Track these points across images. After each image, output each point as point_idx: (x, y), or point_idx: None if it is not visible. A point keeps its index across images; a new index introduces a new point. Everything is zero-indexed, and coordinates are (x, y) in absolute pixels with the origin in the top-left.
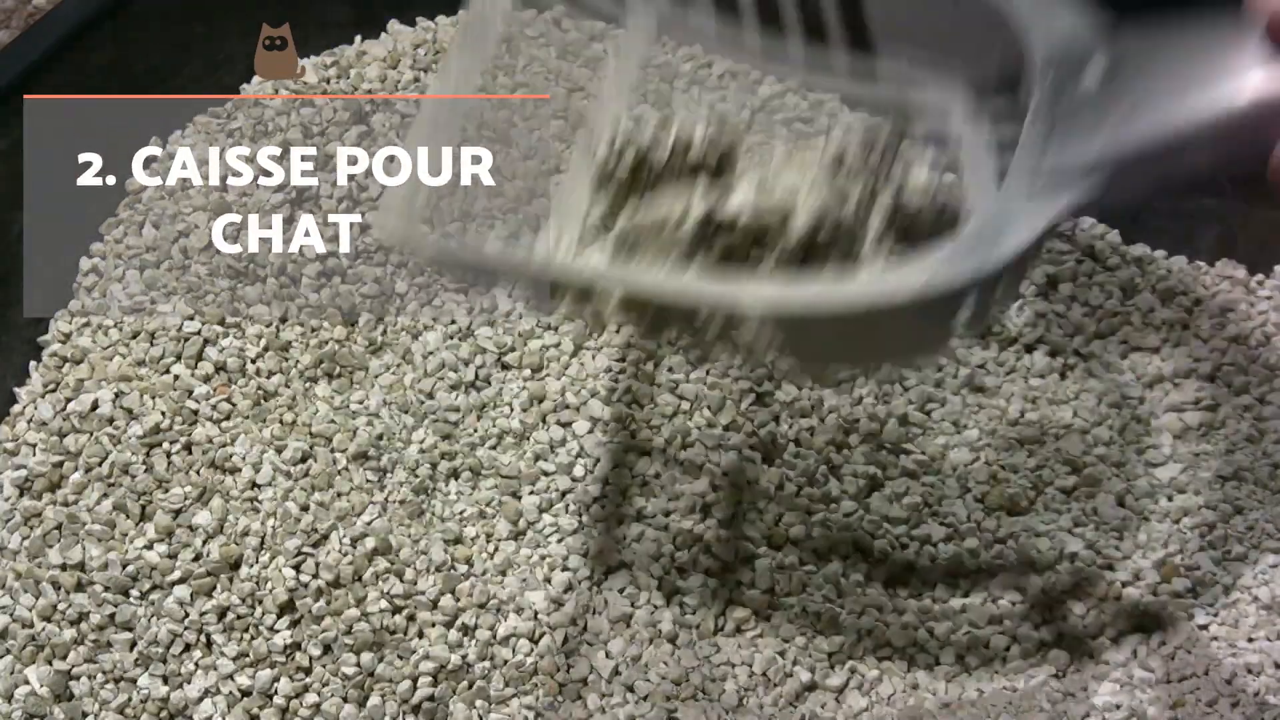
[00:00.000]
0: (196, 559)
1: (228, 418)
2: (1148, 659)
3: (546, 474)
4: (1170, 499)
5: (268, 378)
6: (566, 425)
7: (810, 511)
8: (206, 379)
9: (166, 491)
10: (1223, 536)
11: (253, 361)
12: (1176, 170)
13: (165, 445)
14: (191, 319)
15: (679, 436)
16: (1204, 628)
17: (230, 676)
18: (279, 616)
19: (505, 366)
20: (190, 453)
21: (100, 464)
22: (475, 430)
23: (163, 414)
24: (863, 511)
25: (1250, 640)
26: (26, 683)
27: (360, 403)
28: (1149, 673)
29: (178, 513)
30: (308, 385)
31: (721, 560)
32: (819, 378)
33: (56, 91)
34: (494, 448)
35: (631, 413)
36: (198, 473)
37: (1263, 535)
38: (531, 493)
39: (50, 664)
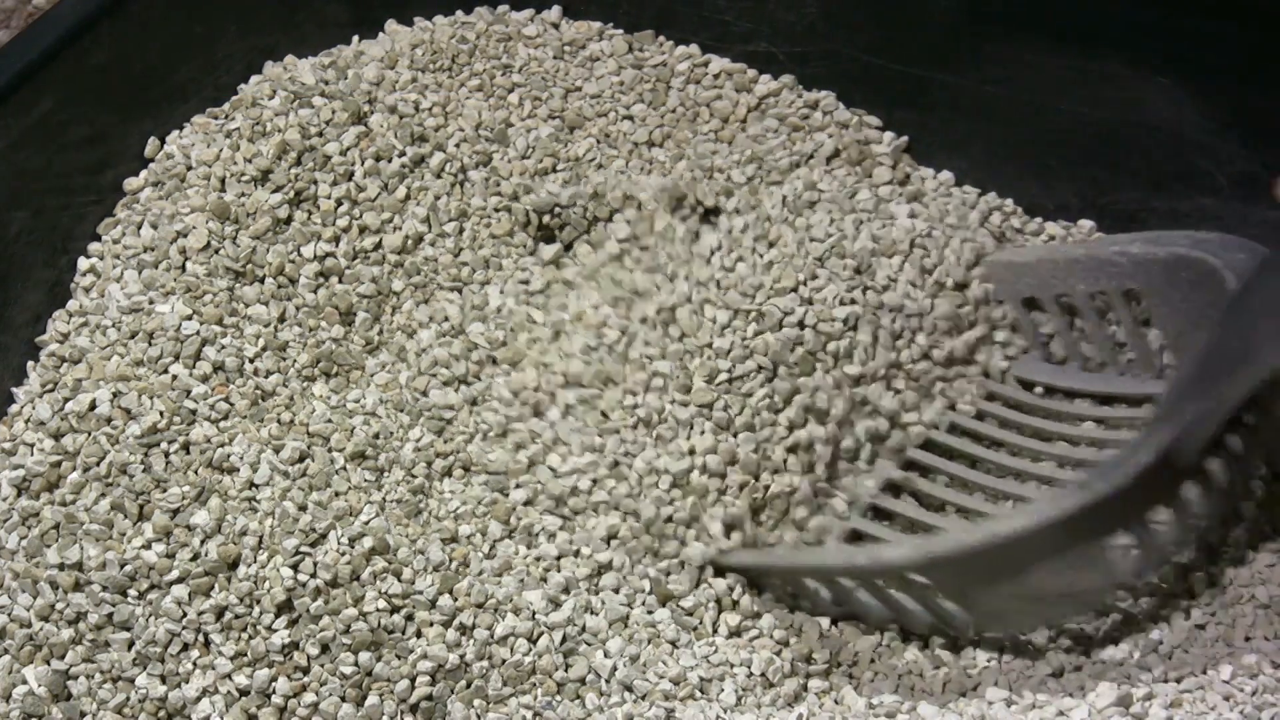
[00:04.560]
0: (194, 559)
1: (225, 417)
2: (1145, 659)
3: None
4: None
5: (265, 377)
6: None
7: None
8: (204, 379)
9: (164, 491)
10: (1221, 537)
11: (250, 361)
12: (1265, 372)
13: (163, 445)
14: (189, 319)
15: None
16: (1201, 627)
17: (228, 676)
18: (277, 616)
19: (495, 362)
20: (188, 452)
21: (98, 464)
22: (467, 426)
23: (160, 414)
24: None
25: (1248, 640)
26: (24, 682)
27: (357, 401)
28: (1147, 672)
29: (175, 512)
30: (305, 385)
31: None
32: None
33: (55, 91)
34: (484, 440)
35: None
36: (195, 472)
37: (1260, 535)
38: (518, 486)
39: (48, 664)
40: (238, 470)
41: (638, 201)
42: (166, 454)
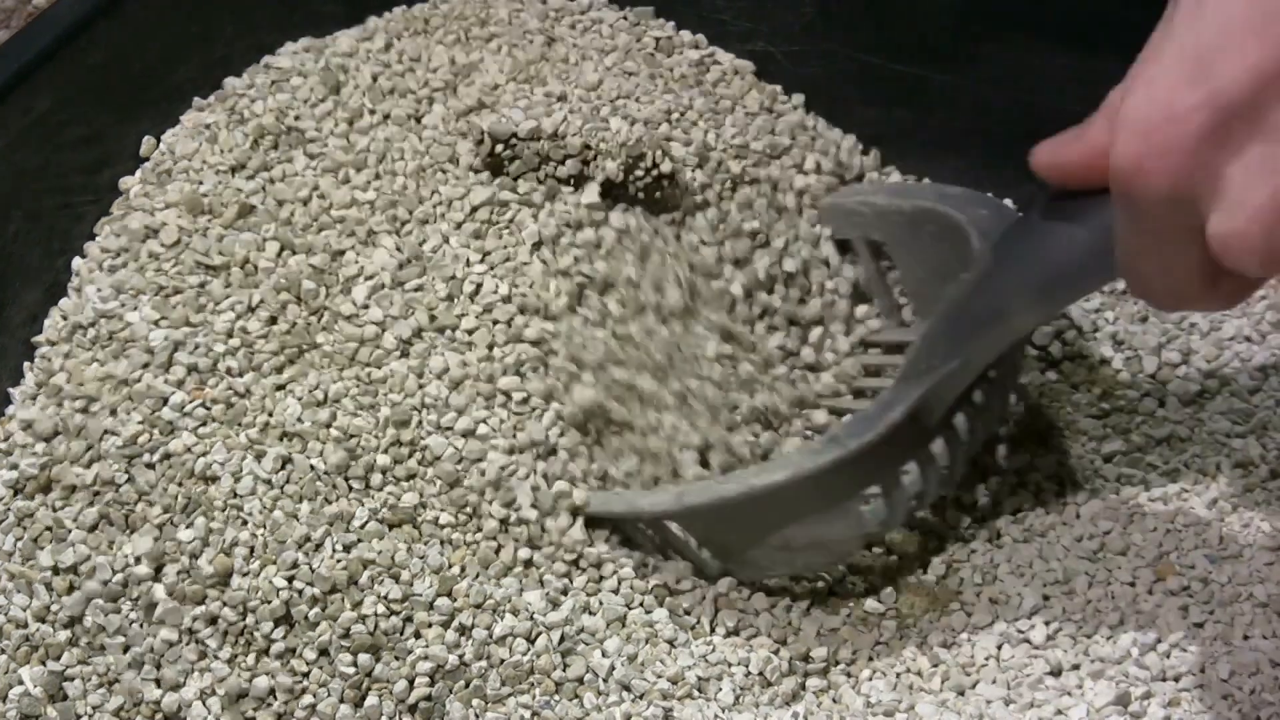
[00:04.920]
0: (185, 574)
1: (204, 423)
2: (1144, 658)
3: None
4: (1165, 501)
5: (239, 376)
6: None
7: None
8: (179, 383)
9: (150, 505)
10: (1219, 535)
11: (223, 358)
12: (1015, 330)
13: (145, 456)
14: (158, 324)
15: None
16: (1200, 626)
17: (225, 679)
18: (275, 627)
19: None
20: (169, 463)
21: (85, 471)
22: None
23: (140, 424)
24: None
25: (1246, 639)
26: (20, 683)
27: (318, 387)
28: (1145, 671)
29: (162, 527)
30: (275, 376)
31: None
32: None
33: (53, 91)
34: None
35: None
36: (179, 484)
37: (1258, 533)
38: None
39: (44, 664)
40: (218, 479)
41: (594, 152)
42: (150, 464)
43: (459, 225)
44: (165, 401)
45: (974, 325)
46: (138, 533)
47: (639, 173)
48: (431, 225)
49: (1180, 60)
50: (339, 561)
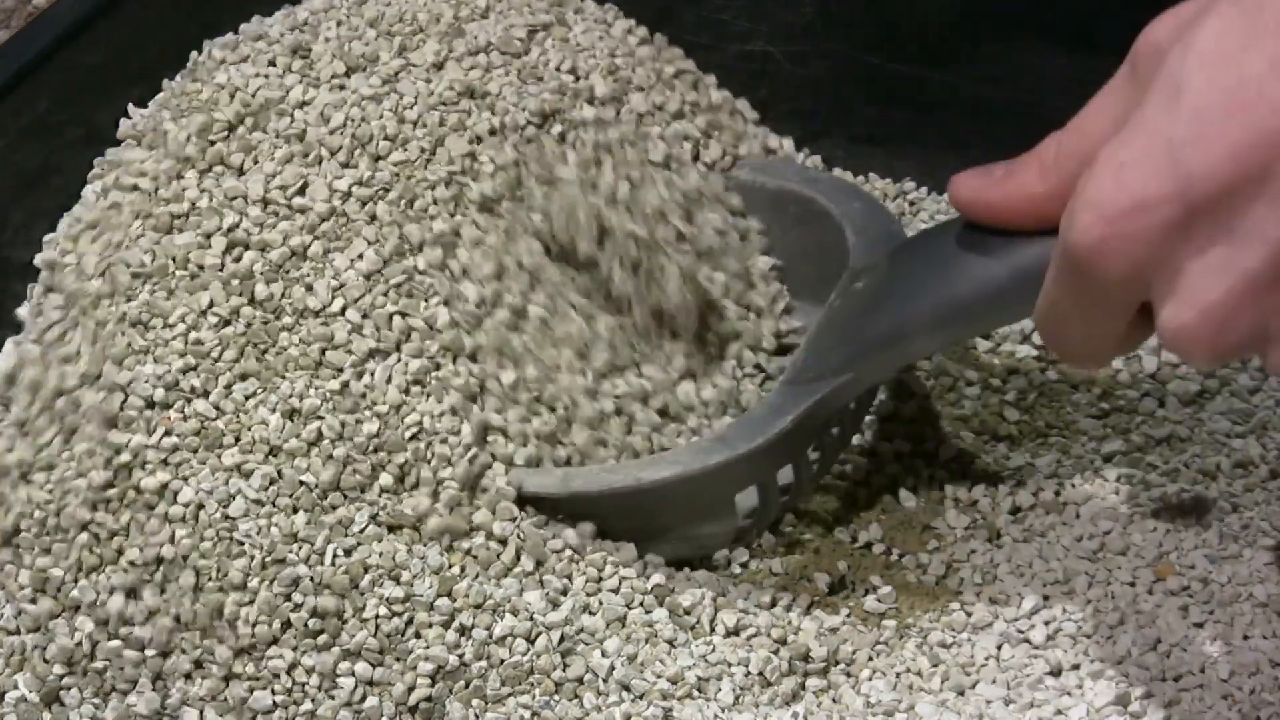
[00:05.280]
0: (177, 620)
1: (174, 450)
2: (1143, 657)
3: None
4: (1166, 501)
5: (205, 397)
6: None
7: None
8: (141, 424)
9: (123, 554)
10: (1219, 535)
11: (183, 376)
12: (910, 354)
13: (112, 504)
14: (95, 362)
15: None
16: (1200, 626)
17: (225, 681)
18: (273, 644)
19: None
20: (143, 500)
21: (55, 516)
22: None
23: (104, 468)
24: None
25: (1246, 638)
26: (17, 688)
27: (291, 396)
28: (1145, 671)
29: (146, 568)
30: (239, 388)
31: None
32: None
33: (52, 91)
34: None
35: None
36: (156, 521)
37: (1258, 533)
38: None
39: (38, 677)
40: (205, 506)
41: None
42: (123, 505)
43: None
44: (125, 446)
45: (870, 342)
46: (120, 571)
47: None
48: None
49: (1151, 149)
50: (340, 567)
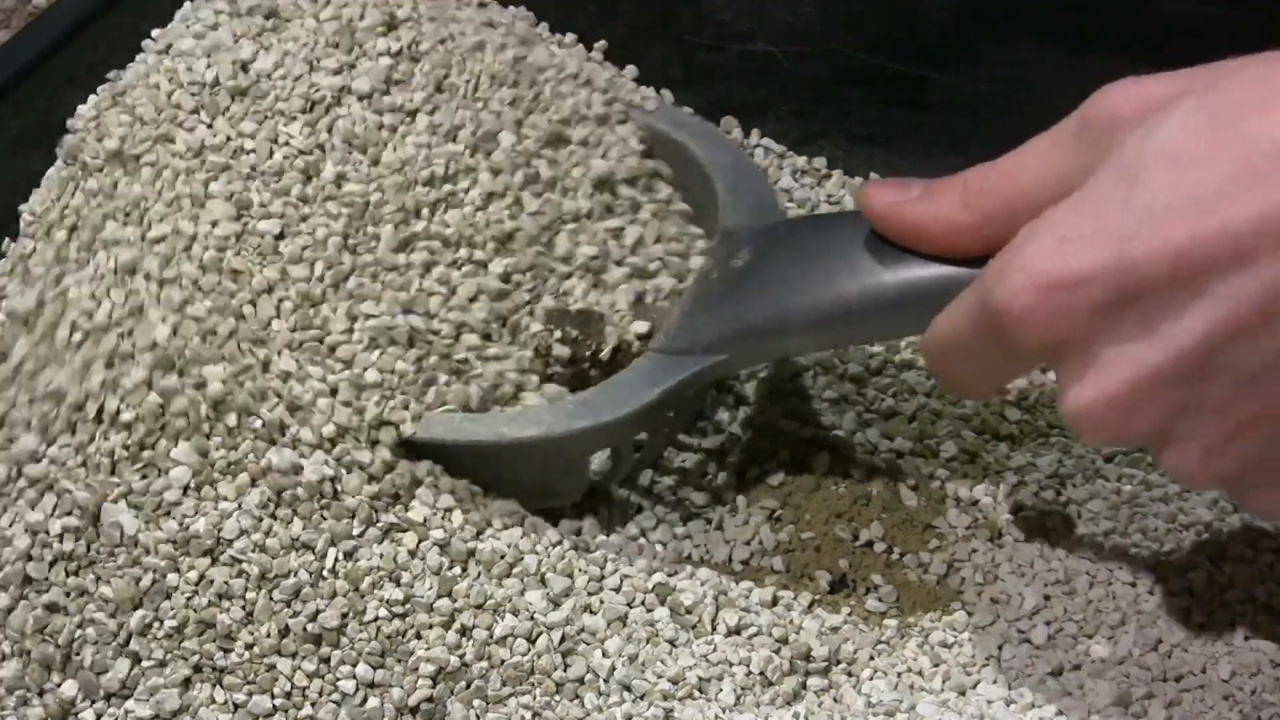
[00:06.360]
0: (175, 630)
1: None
2: (1144, 658)
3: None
4: (1166, 501)
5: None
6: None
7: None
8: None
9: (105, 601)
10: (1219, 535)
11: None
12: (788, 349)
13: (94, 571)
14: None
15: None
16: (1201, 626)
17: (223, 685)
18: (274, 654)
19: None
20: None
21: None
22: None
23: (71, 539)
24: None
25: (1247, 639)
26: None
27: (265, 426)
28: (1145, 671)
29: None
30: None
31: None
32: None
33: (53, 91)
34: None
35: None
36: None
37: (1259, 534)
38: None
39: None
40: (198, 536)
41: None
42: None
43: None
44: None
45: (746, 327)
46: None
47: None
48: None
49: (1098, 231)
50: (341, 573)
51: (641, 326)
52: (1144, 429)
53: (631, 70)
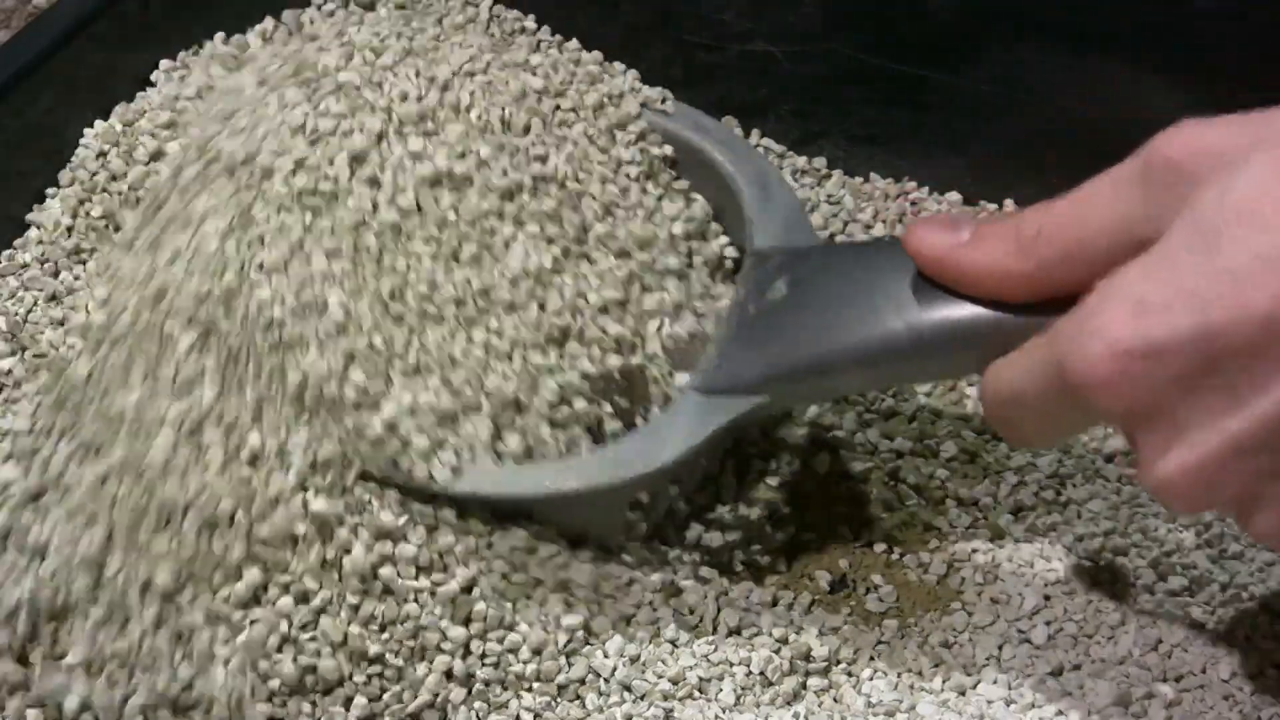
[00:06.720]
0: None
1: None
2: (1144, 658)
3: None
4: None
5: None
6: None
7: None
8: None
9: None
10: (1219, 535)
11: None
12: (831, 391)
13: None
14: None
15: None
16: (1201, 626)
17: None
18: (274, 663)
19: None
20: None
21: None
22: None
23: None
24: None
25: (1248, 639)
26: None
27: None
28: (1145, 671)
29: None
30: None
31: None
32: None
33: (53, 91)
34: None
35: None
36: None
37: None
38: None
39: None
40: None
41: None
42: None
43: None
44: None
45: (788, 368)
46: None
47: None
48: None
49: (1178, 296)
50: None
51: (683, 379)
52: (1230, 496)
53: (633, 75)
